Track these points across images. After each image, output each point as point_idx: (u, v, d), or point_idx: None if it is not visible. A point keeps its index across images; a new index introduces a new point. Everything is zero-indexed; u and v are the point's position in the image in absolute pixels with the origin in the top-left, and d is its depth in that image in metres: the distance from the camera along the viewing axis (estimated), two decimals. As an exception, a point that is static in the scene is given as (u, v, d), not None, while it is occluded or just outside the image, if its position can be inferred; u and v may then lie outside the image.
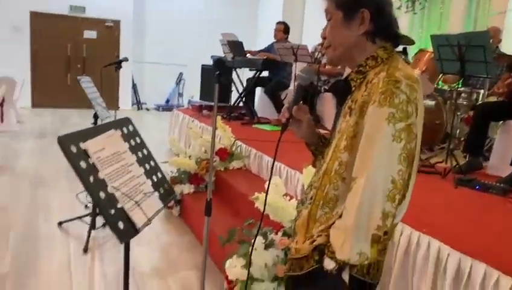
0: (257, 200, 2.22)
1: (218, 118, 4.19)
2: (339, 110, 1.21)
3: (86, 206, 3.89)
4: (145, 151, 1.58)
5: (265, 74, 5.80)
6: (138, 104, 11.20)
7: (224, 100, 7.44)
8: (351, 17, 1.11)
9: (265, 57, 5.26)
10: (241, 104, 6.00)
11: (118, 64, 3.60)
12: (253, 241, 2.10)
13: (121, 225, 1.23)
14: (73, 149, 1.19)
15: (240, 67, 5.70)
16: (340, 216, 1.05)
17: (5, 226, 3.36)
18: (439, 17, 6.70)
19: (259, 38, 9.97)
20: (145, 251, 3.15)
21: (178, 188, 3.86)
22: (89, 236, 3.14)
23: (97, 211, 3.36)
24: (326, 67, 5.23)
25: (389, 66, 1.07)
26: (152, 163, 1.58)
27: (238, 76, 5.85)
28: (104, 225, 3.44)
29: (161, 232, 3.53)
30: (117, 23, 10.25)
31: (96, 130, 1.34)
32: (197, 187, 3.89)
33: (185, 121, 5.99)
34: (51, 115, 9.24)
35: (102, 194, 1.21)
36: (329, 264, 1.02)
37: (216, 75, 1.76)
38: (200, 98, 7.97)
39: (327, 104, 5.39)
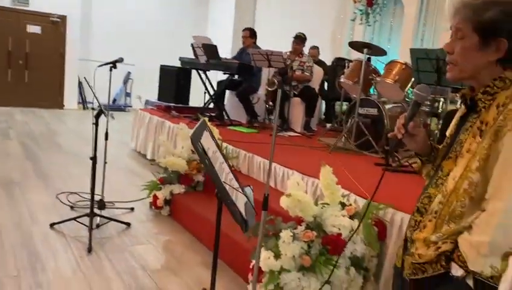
0: (289, 197, 2.40)
1: (206, 119, 4.28)
2: (458, 126, 1.29)
3: (72, 207, 3.81)
4: (220, 152, 1.70)
5: (234, 77, 5.95)
6: (84, 103, 10.79)
7: (183, 102, 7.50)
8: (487, 43, 1.14)
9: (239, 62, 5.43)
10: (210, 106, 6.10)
11: (113, 64, 3.58)
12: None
13: (238, 214, 1.36)
14: (199, 147, 1.31)
15: (215, 70, 5.81)
16: (469, 229, 1.15)
17: (-7, 229, 3.21)
18: (389, 30, 7.28)
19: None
20: (149, 249, 3.19)
21: (168, 189, 3.91)
22: (90, 236, 3.11)
23: (94, 211, 3.34)
24: (296, 73, 5.51)
25: None
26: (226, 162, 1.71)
27: (208, 78, 5.95)
28: (98, 226, 3.43)
29: (157, 232, 3.56)
30: (63, 18, 9.80)
31: (197, 133, 1.45)
32: (187, 187, 3.96)
33: (152, 122, 5.96)
34: (-10, 113, 8.63)
35: (222, 188, 1.34)
36: (457, 271, 1.15)
37: (279, 81, 1.92)
38: (159, 99, 7.92)
39: (296, 108, 5.68)
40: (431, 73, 3.49)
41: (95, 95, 3.16)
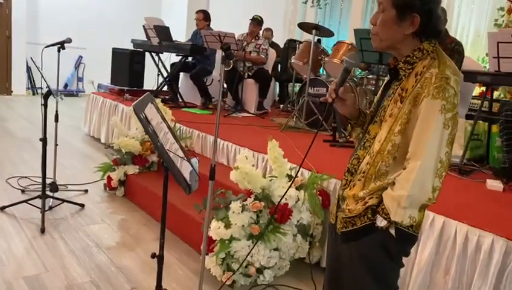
0: (236, 169, 2.52)
1: (159, 100, 4.31)
2: (383, 93, 1.43)
3: (23, 191, 3.77)
4: (165, 123, 1.78)
5: (188, 59, 5.96)
6: (33, 88, 10.42)
7: (137, 85, 7.41)
8: (403, 18, 1.27)
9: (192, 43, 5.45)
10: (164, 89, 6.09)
11: (61, 45, 3.53)
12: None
13: (182, 179, 1.46)
14: (142, 116, 1.39)
15: (167, 52, 5.79)
16: (392, 185, 1.30)
17: None
18: (339, 13, 7.49)
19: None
20: (104, 228, 3.24)
21: (122, 169, 3.94)
22: (43, 217, 3.11)
23: (46, 193, 3.33)
24: (252, 55, 5.61)
25: (440, 62, 1.26)
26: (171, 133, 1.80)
27: (162, 61, 5.94)
28: (50, 208, 3.42)
29: (112, 211, 3.60)
30: (8, 0, 9.37)
31: (140, 104, 1.53)
32: (141, 168, 4.00)
33: (105, 105, 5.90)
34: None
35: (165, 155, 1.43)
36: (381, 222, 1.31)
37: (224, 57, 2.01)
38: (112, 83, 7.77)
39: (250, 89, 5.78)
40: (374, 52, 3.68)
41: (42, 76, 3.12)
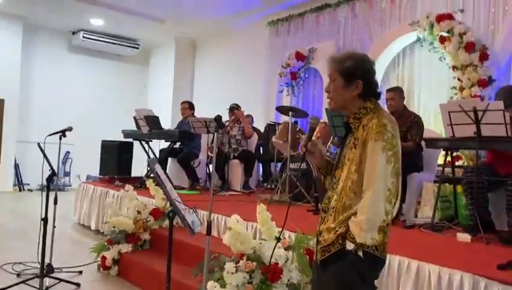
0: (230, 230, 2.76)
1: (151, 181, 4.58)
2: (343, 144, 1.80)
3: (18, 275, 3.84)
4: (169, 182, 2.08)
5: (176, 145, 6.36)
6: (20, 185, 10.56)
7: (125, 173, 7.68)
8: (349, 84, 1.68)
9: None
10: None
11: (62, 133, 3.87)
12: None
13: (187, 223, 1.72)
14: (154, 170, 1.69)
15: (157, 139, 6.21)
16: (355, 214, 1.60)
17: None
18: (312, 98, 8.17)
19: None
20: (101, 304, 3.32)
21: (116, 248, 4.08)
22: (42, 296, 3.21)
23: (45, 272, 3.43)
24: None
25: (378, 114, 1.65)
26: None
27: (150, 148, 6.32)
28: (47, 288, 3.51)
29: (107, 289, 3.69)
30: (1, 102, 9.90)
31: (152, 161, 1.84)
32: (134, 246, 4.15)
33: (96, 193, 6.12)
34: None
35: (173, 201, 1.71)
36: (350, 246, 1.59)
37: (217, 126, 2.36)
38: (100, 173, 8.00)
39: (235, 169, 6.14)
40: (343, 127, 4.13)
41: (46, 158, 3.42)
